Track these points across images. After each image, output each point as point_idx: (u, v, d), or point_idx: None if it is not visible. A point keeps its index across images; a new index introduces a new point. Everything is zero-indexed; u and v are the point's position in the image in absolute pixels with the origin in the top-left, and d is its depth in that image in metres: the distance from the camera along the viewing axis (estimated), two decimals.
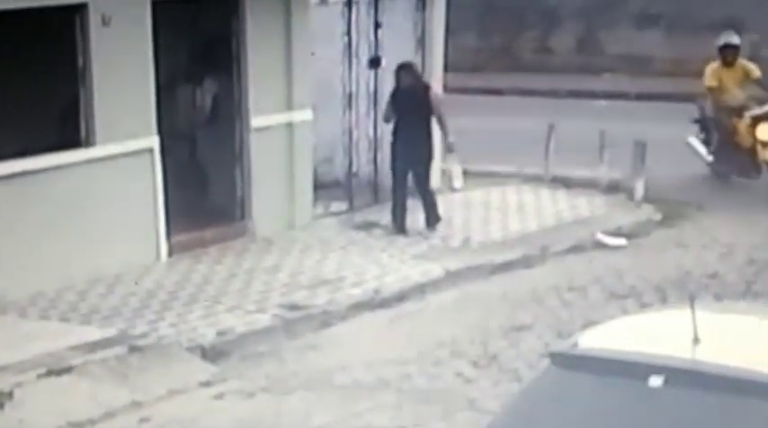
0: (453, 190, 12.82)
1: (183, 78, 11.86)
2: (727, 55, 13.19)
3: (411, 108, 11.58)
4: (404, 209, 11.81)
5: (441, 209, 12.00)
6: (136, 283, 10.30)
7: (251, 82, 11.54)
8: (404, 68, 11.86)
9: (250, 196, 11.74)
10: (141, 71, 10.63)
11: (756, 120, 13.00)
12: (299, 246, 11.52)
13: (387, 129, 12.54)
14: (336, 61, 12.67)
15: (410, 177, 11.87)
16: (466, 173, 13.03)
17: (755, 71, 13.16)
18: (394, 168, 11.91)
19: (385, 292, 10.22)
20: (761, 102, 13.22)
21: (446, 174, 13.01)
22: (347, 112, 12.93)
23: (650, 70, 21.12)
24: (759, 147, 12.95)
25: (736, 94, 13.18)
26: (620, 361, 4.74)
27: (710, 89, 13.25)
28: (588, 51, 22.02)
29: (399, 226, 11.77)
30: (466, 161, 13.14)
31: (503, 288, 10.46)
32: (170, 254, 11.03)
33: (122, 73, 10.49)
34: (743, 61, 13.24)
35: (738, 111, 13.32)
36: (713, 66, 13.30)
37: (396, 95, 11.78)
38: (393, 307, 9.99)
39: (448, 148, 12.10)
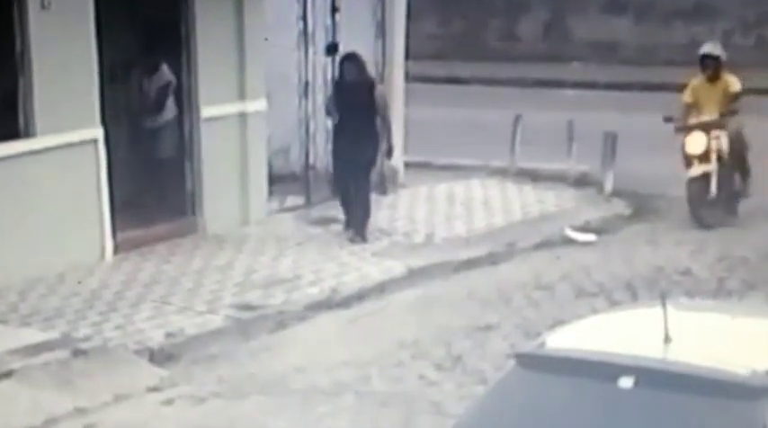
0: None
1: (130, 66, 11.85)
2: (706, 66, 12.33)
3: (354, 104, 11.23)
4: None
5: (370, 228, 11.51)
6: (79, 283, 10.26)
7: (201, 69, 11.51)
8: (349, 60, 11.47)
9: (201, 190, 11.71)
10: (84, 57, 10.54)
11: (688, 131, 12.25)
12: (252, 243, 11.52)
13: None
14: (291, 48, 12.71)
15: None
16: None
17: (734, 85, 12.36)
18: (336, 172, 11.62)
19: (344, 291, 10.25)
20: (723, 124, 12.31)
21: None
22: (303, 102, 12.90)
23: (620, 58, 21.32)
24: (685, 163, 12.16)
25: (710, 113, 12.23)
26: (588, 362, 4.79)
27: (687, 106, 12.40)
28: (556, 39, 22.19)
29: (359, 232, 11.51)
30: (428, 154, 13.15)
31: (467, 286, 10.49)
32: (116, 251, 10.99)
33: (64, 59, 10.40)
34: (727, 76, 12.41)
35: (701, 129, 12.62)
36: (695, 82, 12.43)
37: (339, 89, 11.50)
38: (352, 307, 10.03)
39: (387, 154, 11.59)
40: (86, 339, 8.96)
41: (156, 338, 9.07)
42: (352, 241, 11.35)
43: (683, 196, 12.37)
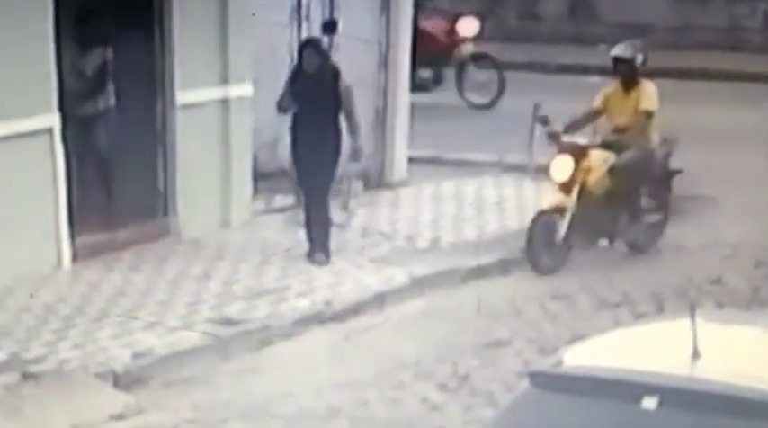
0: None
1: (93, 43, 11.53)
2: (617, 70, 11.42)
3: (315, 97, 10.88)
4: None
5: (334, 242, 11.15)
6: (31, 296, 10.20)
7: (177, 48, 11.41)
8: (310, 46, 11.18)
9: (174, 188, 11.63)
10: (39, 34, 10.40)
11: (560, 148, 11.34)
12: (234, 249, 11.49)
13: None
14: (283, 25, 12.62)
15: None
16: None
17: (648, 100, 11.27)
18: (298, 175, 11.25)
19: (338, 304, 10.26)
20: (619, 147, 11.25)
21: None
22: None
23: (652, 41, 21.14)
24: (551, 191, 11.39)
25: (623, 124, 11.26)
26: (609, 381, 4.86)
27: (593, 113, 11.48)
28: (582, 19, 22.36)
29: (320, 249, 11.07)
30: (435, 148, 13.00)
31: (476, 297, 10.52)
32: (74, 259, 10.91)
33: (15, 36, 10.22)
34: (645, 87, 11.37)
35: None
36: (609, 86, 11.55)
37: (296, 79, 11.11)
38: (347, 322, 10.04)
39: (353, 155, 11.26)
40: (39, 360, 8.92)
41: (121, 359, 9.01)
42: (313, 261, 10.94)
43: (717, 196, 12.44)
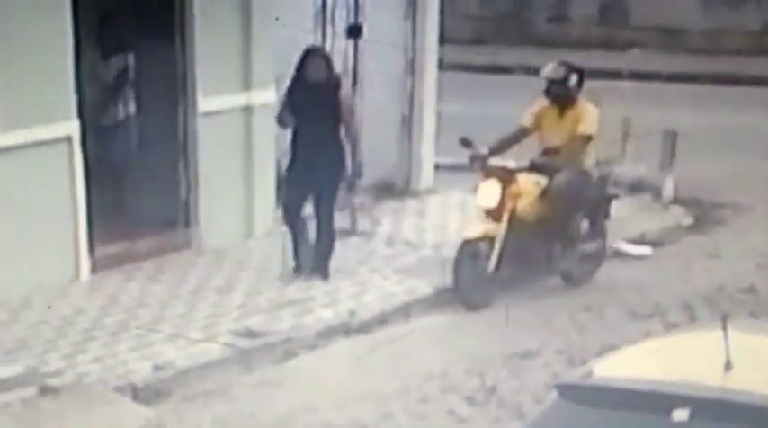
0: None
1: (112, 50, 11.70)
2: (549, 92, 10.88)
3: (316, 110, 10.65)
4: (309, 245, 10.99)
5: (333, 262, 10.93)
6: (49, 308, 10.21)
7: (198, 54, 11.43)
8: (312, 55, 10.87)
9: (196, 197, 11.66)
10: (57, 38, 10.40)
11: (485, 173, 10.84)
12: (257, 259, 11.48)
13: (370, 114, 12.55)
14: (307, 29, 12.60)
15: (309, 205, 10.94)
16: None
17: (586, 124, 10.72)
18: (288, 192, 10.98)
19: (363, 315, 10.26)
20: (550, 170, 10.75)
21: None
22: None
23: (684, 46, 21.65)
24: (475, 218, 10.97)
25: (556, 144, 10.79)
26: (640, 393, 4.85)
27: (522, 132, 11.01)
28: (613, 22, 22.49)
29: (305, 268, 10.88)
30: (462, 154, 13.01)
31: (504, 307, 10.49)
32: (93, 270, 10.93)
33: (33, 40, 10.23)
34: (585, 106, 10.87)
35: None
36: (541, 104, 11.03)
37: (295, 91, 10.86)
38: (372, 333, 10.03)
39: (354, 172, 10.95)
40: (57, 374, 8.89)
41: (140, 372, 9.00)
42: (303, 277, 10.81)
43: (753, 204, 12.47)
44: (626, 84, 19.44)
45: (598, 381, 5.00)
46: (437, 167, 13.73)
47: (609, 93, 17.90)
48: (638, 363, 5.21)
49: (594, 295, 10.79)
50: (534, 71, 20.06)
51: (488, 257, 10.48)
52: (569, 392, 5.00)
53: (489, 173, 10.76)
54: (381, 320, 10.15)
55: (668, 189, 13.19)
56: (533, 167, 10.81)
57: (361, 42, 12.85)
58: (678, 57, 20.80)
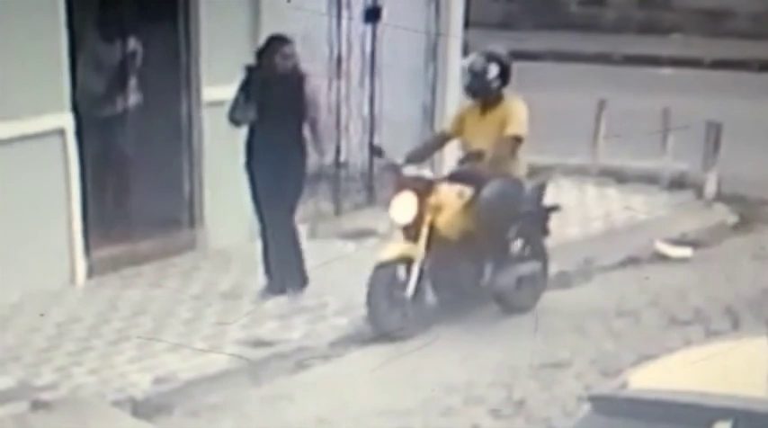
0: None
1: (110, 34, 11.58)
2: (470, 88, 10.27)
3: (277, 106, 10.40)
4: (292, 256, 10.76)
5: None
6: (42, 315, 10.21)
7: (204, 40, 11.44)
8: (276, 44, 10.54)
9: (201, 195, 11.69)
10: (50, 24, 10.41)
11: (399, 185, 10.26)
12: None
13: (389, 104, 12.60)
14: (321, 12, 12.56)
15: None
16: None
17: (515, 123, 10.04)
18: (254, 199, 10.66)
19: None
20: (473, 179, 10.08)
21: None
22: (334, 82, 12.78)
23: (730, 30, 21.53)
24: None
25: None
26: (678, 405, 4.86)
27: (443, 138, 10.60)
28: (652, 5, 22.38)
29: (280, 282, 10.64)
30: None
31: (533, 313, 10.54)
32: (90, 274, 10.94)
33: (23, 27, 10.22)
34: (512, 103, 10.16)
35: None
36: (464, 107, 10.52)
37: (251, 85, 10.51)
38: (391, 342, 9.96)
39: (318, 171, 11.18)
40: (50, 387, 8.91)
41: (141, 385, 9.00)
42: (282, 292, 10.55)
43: None
44: (666, 72, 19.48)
45: (634, 393, 5.03)
46: None
47: (647, 83, 18.23)
48: (676, 374, 5.22)
49: (630, 300, 10.83)
50: (566, 57, 20.12)
51: (406, 282, 9.91)
52: (603, 405, 5.02)
53: (403, 184, 10.11)
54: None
55: (711, 185, 13.21)
56: (453, 177, 10.24)
57: (379, 27, 12.82)
58: (723, 42, 20.76)
